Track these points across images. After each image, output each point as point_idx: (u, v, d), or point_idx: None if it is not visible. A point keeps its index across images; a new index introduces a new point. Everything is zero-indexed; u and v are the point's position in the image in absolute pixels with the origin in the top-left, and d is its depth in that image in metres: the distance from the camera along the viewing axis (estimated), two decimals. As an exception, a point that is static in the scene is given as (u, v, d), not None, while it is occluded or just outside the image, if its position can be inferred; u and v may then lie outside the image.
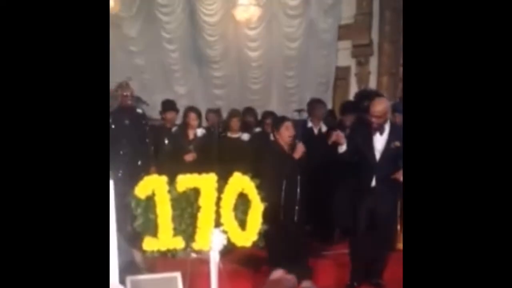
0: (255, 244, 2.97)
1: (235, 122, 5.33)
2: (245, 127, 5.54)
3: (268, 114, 5.75)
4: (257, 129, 5.69)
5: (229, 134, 5.32)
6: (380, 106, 3.85)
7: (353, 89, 7.91)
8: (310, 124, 5.43)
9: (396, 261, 4.08)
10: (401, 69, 7.34)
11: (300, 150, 4.03)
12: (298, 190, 4.00)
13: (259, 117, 6.02)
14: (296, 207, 4.00)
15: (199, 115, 5.25)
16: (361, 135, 3.93)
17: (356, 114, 5.40)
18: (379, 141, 3.87)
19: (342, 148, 3.88)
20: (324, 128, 5.45)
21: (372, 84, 7.69)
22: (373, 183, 3.86)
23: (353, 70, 8.01)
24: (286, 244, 3.95)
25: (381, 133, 3.86)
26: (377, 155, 3.86)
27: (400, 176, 3.75)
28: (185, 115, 5.14)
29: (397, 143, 3.82)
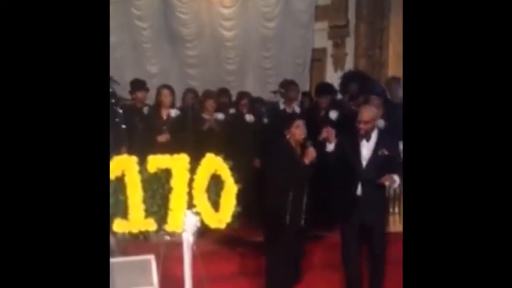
0: (229, 226, 2.92)
1: (210, 103, 5.23)
2: (219, 108, 5.45)
3: (243, 95, 5.66)
4: (232, 110, 5.59)
5: (204, 115, 5.22)
6: (367, 112, 3.80)
7: (329, 71, 7.88)
8: (283, 106, 5.37)
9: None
10: (377, 51, 7.33)
11: (311, 155, 3.75)
12: (306, 195, 3.80)
13: (234, 98, 5.93)
14: (303, 212, 3.79)
15: (172, 93, 5.11)
16: (348, 142, 3.84)
17: (332, 95, 5.38)
18: (366, 148, 3.81)
19: (330, 147, 3.77)
20: (297, 110, 5.40)
21: (349, 66, 7.65)
22: (359, 191, 3.79)
23: (330, 51, 7.96)
24: (287, 250, 3.76)
25: (368, 140, 3.80)
26: (364, 163, 3.80)
27: (386, 180, 3.73)
28: (158, 93, 5.00)
29: (385, 151, 3.78)
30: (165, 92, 4.94)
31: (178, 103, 5.77)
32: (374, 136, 3.82)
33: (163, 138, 4.77)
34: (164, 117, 4.94)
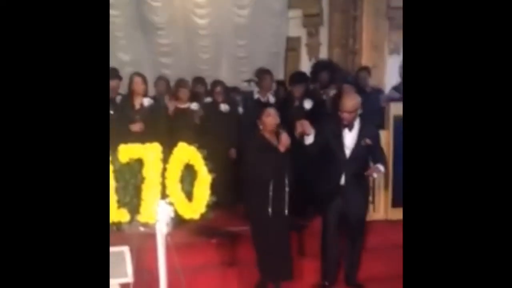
0: (203, 216, 2.89)
1: (184, 92, 5.15)
2: (194, 97, 5.39)
3: (218, 83, 5.61)
4: (208, 99, 5.54)
5: (178, 105, 5.15)
6: (351, 102, 3.77)
7: (304, 60, 7.87)
8: (257, 95, 5.34)
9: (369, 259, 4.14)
10: (351, 40, 7.36)
11: (285, 141, 3.62)
12: (287, 182, 3.67)
13: (208, 87, 5.87)
14: (286, 200, 3.67)
15: (145, 82, 5.01)
16: (331, 131, 3.80)
17: (306, 85, 5.38)
18: (349, 138, 3.79)
19: (309, 139, 3.70)
20: (272, 99, 5.38)
21: (323, 55, 7.66)
22: (342, 181, 3.79)
23: (304, 40, 7.95)
24: (274, 241, 3.69)
25: (350, 129, 3.79)
26: (347, 153, 3.78)
27: (373, 172, 3.78)
28: (130, 81, 4.89)
29: (368, 141, 3.78)
30: (138, 80, 4.84)
31: (152, 92, 5.68)
32: (356, 125, 3.80)
33: (136, 127, 4.69)
34: (137, 106, 4.85)
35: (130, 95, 4.91)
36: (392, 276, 4.11)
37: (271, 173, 3.58)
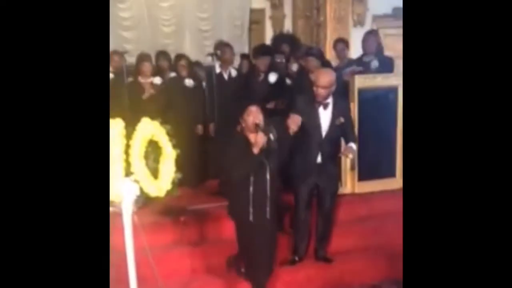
0: (169, 193, 2.83)
1: (146, 66, 5.00)
2: (158, 72, 5.24)
3: (181, 57, 5.45)
4: (172, 74, 5.40)
5: (140, 79, 4.99)
6: (326, 77, 3.72)
7: (268, 33, 7.78)
8: (219, 69, 5.24)
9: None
10: (315, 12, 7.30)
11: (259, 142, 3.22)
12: (268, 185, 3.31)
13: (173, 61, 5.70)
14: (268, 203, 3.35)
15: None
16: (306, 111, 3.73)
17: (270, 58, 5.30)
18: (324, 117, 3.77)
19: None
20: (234, 73, 5.29)
21: (288, 28, 7.59)
22: (319, 159, 3.79)
23: (268, 12, 7.84)
24: (259, 245, 3.42)
25: (325, 108, 3.75)
26: (323, 133, 3.77)
27: (348, 153, 3.77)
28: None
29: (341, 119, 3.76)
30: None
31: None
32: (330, 103, 3.78)
33: None
34: None
35: None
36: (359, 248, 4.22)
37: (247, 175, 3.29)
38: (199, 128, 5.24)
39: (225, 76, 5.26)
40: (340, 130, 3.81)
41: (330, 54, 6.51)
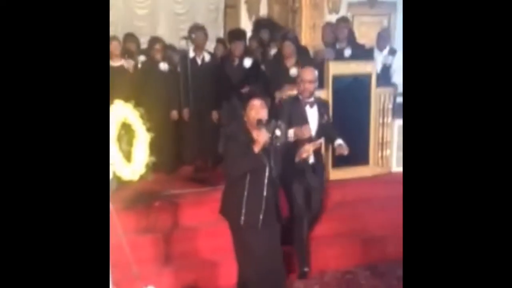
0: (143, 177, 2.80)
1: (116, 48, 4.88)
2: (127, 54, 5.13)
3: (156, 40, 5.34)
4: (141, 57, 5.29)
5: (111, 62, 4.88)
6: (311, 73, 3.79)
7: (244, 18, 7.70)
8: (192, 54, 5.16)
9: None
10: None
11: (261, 141, 2.93)
12: (265, 188, 3.01)
13: (145, 44, 5.59)
14: (262, 210, 3.03)
15: None
16: (295, 111, 3.78)
17: (245, 42, 5.26)
18: (311, 115, 3.80)
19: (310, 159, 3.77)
20: (207, 58, 5.23)
21: (263, 13, 7.53)
22: (311, 159, 3.81)
23: (244, -2, 7.75)
24: (254, 255, 3.09)
25: (311, 106, 3.80)
26: (313, 132, 3.76)
27: (342, 151, 3.73)
28: None
29: (326, 117, 3.82)
30: None
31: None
32: (314, 102, 3.83)
33: None
34: None
35: None
36: (333, 235, 4.27)
37: (244, 175, 3.01)
38: (174, 113, 5.17)
39: (199, 61, 5.19)
40: (327, 127, 3.86)
41: (305, 41, 6.52)
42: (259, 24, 6.22)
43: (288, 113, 3.78)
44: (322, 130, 3.84)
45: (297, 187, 3.81)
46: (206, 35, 5.26)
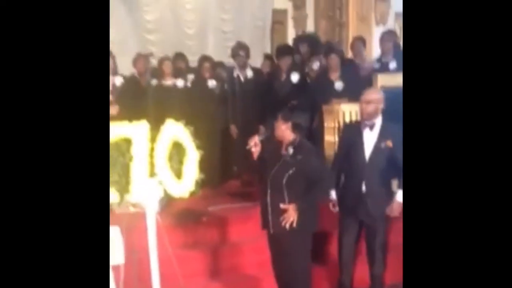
0: (192, 194, 2.87)
1: (168, 68, 5.06)
2: (178, 73, 5.30)
3: (205, 59, 5.49)
4: (190, 76, 5.46)
5: (162, 81, 5.06)
6: (370, 94, 3.49)
7: (291, 33, 7.78)
8: (237, 72, 5.27)
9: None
10: (337, 12, 7.27)
11: (255, 150, 3.20)
12: (286, 196, 3.13)
13: (195, 62, 5.76)
14: (270, 219, 3.19)
15: (113, 59, 4.79)
16: (352, 131, 3.54)
17: (292, 57, 5.31)
18: (369, 139, 3.45)
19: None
20: (250, 74, 5.30)
21: (310, 28, 7.57)
22: (363, 188, 3.44)
23: (290, 13, 7.83)
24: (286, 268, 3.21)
25: (371, 129, 3.45)
26: (367, 156, 3.45)
27: (395, 211, 3.36)
28: None
29: (389, 143, 3.38)
30: None
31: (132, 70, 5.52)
32: (378, 124, 3.46)
33: (113, 110, 4.31)
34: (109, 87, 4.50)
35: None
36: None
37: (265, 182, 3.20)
38: (233, 129, 5.24)
39: (242, 77, 5.29)
40: (388, 157, 3.40)
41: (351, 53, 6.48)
42: (298, 39, 6.28)
43: (346, 136, 3.61)
44: (382, 156, 3.44)
45: (346, 221, 3.60)
46: (247, 53, 5.34)
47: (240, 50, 5.29)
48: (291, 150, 3.13)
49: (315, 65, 5.37)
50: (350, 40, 6.70)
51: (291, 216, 3.04)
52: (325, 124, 4.86)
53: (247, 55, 5.35)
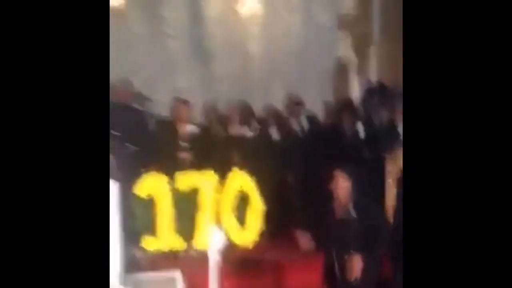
0: (256, 244, 2.93)
1: (235, 118, 5.26)
2: (245, 123, 5.49)
3: (269, 108, 5.68)
4: (256, 125, 5.63)
5: (229, 130, 5.27)
6: None
7: (353, 82, 7.85)
8: (298, 122, 5.36)
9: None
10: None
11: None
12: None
13: (260, 112, 5.95)
14: None
15: (190, 108, 4.88)
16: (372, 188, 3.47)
17: (353, 108, 5.33)
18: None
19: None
20: (306, 126, 5.34)
21: (373, 76, 7.61)
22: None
23: (353, 61, 7.93)
24: None
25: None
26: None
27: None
28: (175, 107, 4.74)
29: None
30: (182, 107, 4.70)
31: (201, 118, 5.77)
32: None
33: (184, 155, 4.49)
34: (182, 133, 4.67)
35: (173, 121, 4.75)
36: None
37: None
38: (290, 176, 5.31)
39: (297, 128, 5.36)
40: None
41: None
42: (369, 91, 6.32)
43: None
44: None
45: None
46: (301, 107, 5.45)
47: (291, 103, 5.39)
48: (353, 211, 3.11)
49: (384, 115, 5.33)
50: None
51: (357, 267, 3.03)
52: (387, 174, 4.79)
53: (300, 107, 5.43)
